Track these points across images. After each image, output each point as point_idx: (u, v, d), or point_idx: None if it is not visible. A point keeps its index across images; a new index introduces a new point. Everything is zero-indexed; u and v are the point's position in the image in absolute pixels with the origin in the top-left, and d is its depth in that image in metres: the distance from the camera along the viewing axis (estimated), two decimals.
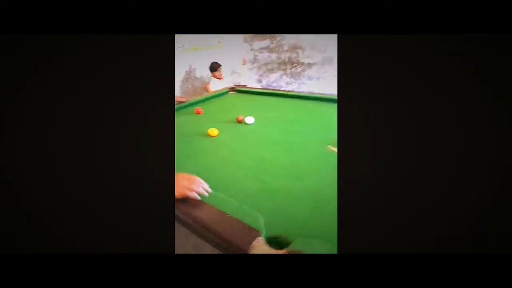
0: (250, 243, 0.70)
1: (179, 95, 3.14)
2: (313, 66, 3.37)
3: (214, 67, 3.08)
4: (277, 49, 3.54)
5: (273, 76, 3.74)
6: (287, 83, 3.64)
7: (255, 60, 3.81)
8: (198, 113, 1.85)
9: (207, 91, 2.93)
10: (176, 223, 0.84)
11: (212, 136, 1.44)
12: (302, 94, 2.19)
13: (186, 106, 2.02)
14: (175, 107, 1.92)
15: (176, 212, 0.84)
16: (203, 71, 3.60)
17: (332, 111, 1.76)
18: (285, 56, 3.54)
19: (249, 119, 1.57)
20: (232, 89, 2.45)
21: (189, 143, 1.40)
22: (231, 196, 0.90)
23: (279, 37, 3.46)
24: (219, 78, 3.11)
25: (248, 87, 2.56)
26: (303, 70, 3.47)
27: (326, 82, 3.32)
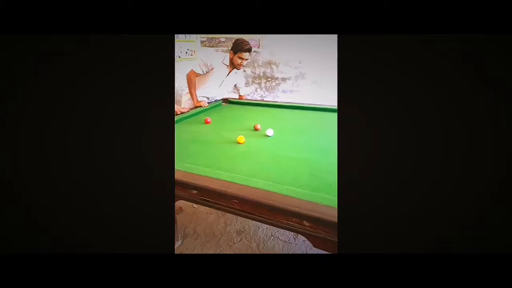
0: None
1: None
2: (287, 80, 3.64)
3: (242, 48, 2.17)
4: (251, 64, 3.74)
5: (248, 90, 3.91)
6: (261, 96, 3.87)
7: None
8: (207, 122, 1.92)
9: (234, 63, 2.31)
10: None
11: (240, 143, 1.52)
12: (293, 104, 2.42)
13: (190, 116, 2.09)
14: (178, 119, 1.99)
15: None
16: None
17: (324, 117, 2.03)
18: (259, 71, 3.76)
19: (269, 132, 1.65)
20: (225, 100, 2.62)
21: (225, 150, 1.45)
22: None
23: (253, 52, 3.61)
24: (238, 68, 2.32)
25: (240, 99, 2.76)
26: (278, 84, 3.72)
27: (300, 95, 3.57)
